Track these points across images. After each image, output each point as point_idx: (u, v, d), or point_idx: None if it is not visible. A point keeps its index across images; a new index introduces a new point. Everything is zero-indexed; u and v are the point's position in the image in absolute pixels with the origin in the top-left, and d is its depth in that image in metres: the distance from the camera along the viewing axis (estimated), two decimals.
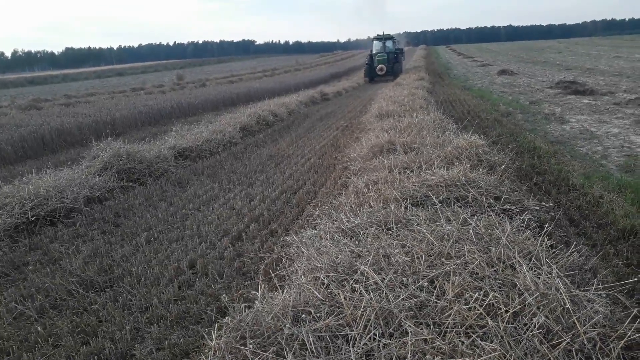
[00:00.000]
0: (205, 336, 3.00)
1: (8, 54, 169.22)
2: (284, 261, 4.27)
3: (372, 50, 30.32)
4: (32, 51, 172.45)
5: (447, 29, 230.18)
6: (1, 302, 4.11)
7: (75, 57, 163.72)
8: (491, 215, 4.26)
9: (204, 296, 4.01)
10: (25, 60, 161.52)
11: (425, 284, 3.09)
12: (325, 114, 15.57)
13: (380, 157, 6.92)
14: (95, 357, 3.27)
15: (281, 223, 5.66)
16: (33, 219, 5.83)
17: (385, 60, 28.34)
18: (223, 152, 10.07)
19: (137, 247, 5.15)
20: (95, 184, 6.95)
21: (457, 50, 73.16)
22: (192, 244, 5.13)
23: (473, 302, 2.79)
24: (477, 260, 3.27)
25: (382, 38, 30.10)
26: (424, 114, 10.59)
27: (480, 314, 2.71)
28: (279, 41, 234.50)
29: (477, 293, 2.87)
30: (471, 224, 3.92)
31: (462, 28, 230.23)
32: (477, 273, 3.18)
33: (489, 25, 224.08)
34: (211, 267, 4.53)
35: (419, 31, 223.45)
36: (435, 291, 2.99)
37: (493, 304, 2.82)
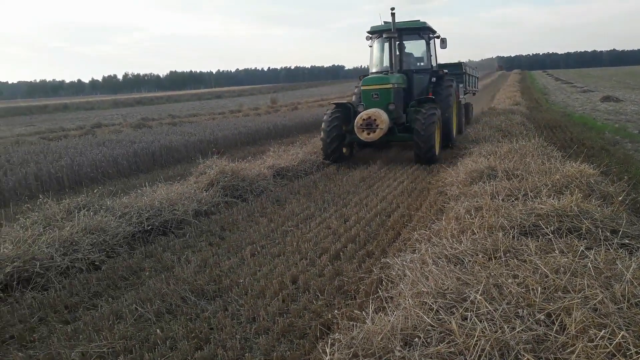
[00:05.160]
0: (320, 350, 3.07)
1: (120, 76, 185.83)
2: (384, 283, 4.28)
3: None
4: (141, 74, 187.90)
5: (544, 54, 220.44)
6: (123, 304, 4.46)
7: (177, 80, 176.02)
8: (609, 249, 4.00)
9: (307, 311, 4.11)
10: (134, 82, 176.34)
11: (543, 317, 2.97)
12: None
13: (480, 183, 6.77)
14: None
15: (378, 245, 5.67)
16: (149, 228, 6.32)
17: (388, 98, 10.56)
18: (317, 172, 10.30)
19: (242, 259, 5.40)
20: (203, 198, 7.42)
21: (554, 76, 69.84)
22: (293, 260, 5.29)
23: (599, 340, 2.64)
24: (599, 295, 3.09)
25: (389, 30, 11.02)
26: (524, 139, 10.22)
27: (609, 352, 2.55)
28: (367, 66, 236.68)
29: (602, 330, 2.71)
30: (589, 257, 3.72)
31: (559, 52, 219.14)
32: (599, 309, 3.00)
33: (589, 50, 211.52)
34: (312, 283, 4.63)
35: (512, 55, 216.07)
36: (555, 326, 2.86)
37: (621, 344, 2.65)
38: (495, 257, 3.98)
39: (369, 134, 10.09)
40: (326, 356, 2.80)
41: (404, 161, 10.84)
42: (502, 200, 5.62)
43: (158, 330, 3.93)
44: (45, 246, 5.34)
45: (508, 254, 4.02)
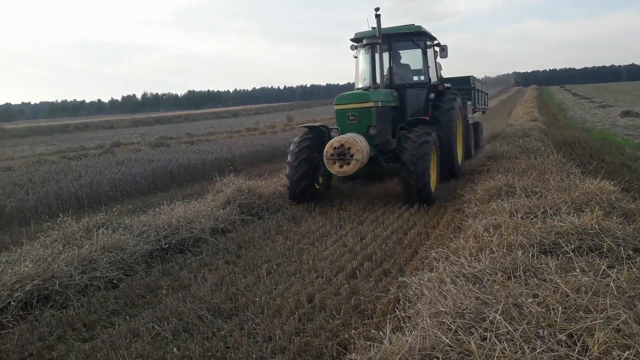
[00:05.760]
0: None
1: (139, 96, 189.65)
2: (401, 302, 4.23)
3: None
4: (159, 93, 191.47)
5: (561, 69, 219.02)
6: (140, 322, 4.48)
7: (195, 99, 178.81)
8: (632, 268, 3.92)
9: (324, 331, 4.08)
10: (153, 102, 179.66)
11: (564, 337, 2.90)
12: None
13: (499, 200, 6.71)
14: None
15: (394, 263, 5.63)
16: (166, 246, 6.37)
17: (368, 120, 8.47)
18: (333, 190, 10.28)
19: (258, 277, 5.40)
20: (220, 216, 7.47)
21: (572, 91, 69.09)
22: (309, 278, 5.27)
23: None
24: (622, 315, 3.02)
25: (374, 37, 9.04)
26: (542, 156, 10.12)
27: None
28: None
29: (626, 352, 2.64)
30: (611, 276, 3.64)
31: (577, 68, 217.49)
32: (622, 330, 2.93)
33: (607, 65, 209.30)
34: (329, 302, 4.60)
35: (529, 71, 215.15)
36: (577, 347, 2.80)
37: None
38: (514, 276, 3.92)
39: (341, 166, 7.81)
40: None
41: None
42: (521, 217, 5.55)
43: (175, 348, 3.93)
44: (64, 264, 5.40)
45: (528, 273, 3.96)
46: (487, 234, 5.15)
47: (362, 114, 8.47)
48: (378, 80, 9.47)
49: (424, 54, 10.16)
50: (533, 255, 4.31)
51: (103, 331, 4.42)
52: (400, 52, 10.51)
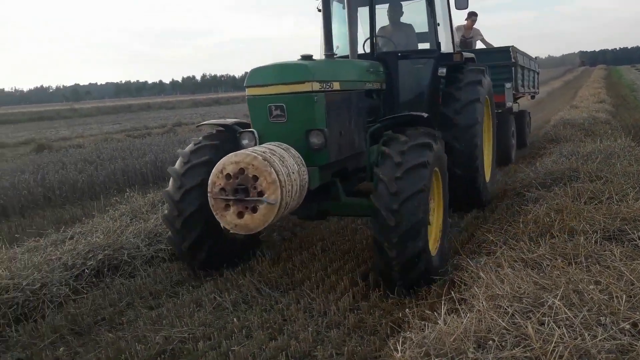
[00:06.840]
0: (391, 347, 3.10)
1: (198, 77, 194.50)
2: (456, 284, 4.22)
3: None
4: (217, 75, 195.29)
5: (632, 47, 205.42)
6: (203, 292, 4.71)
7: None
8: None
9: (378, 309, 4.15)
10: (212, 83, 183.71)
11: (628, 326, 2.83)
12: None
13: (561, 185, 6.51)
14: (282, 352, 3.57)
15: (450, 245, 5.58)
16: None
17: (310, 120, 4.36)
18: None
19: (314, 254, 5.51)
20: None
21: None
22: (363, 257, 5.34)
23: None
24: None
25: None
26: (609, 139, 9.65)
27: None
28: None
29: None
30: None
31: None
32: None
33: None
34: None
35: (597, 50, 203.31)
36: None
37: None
38: (575, 262, 3.84)
39: (240, 214, 3.93)
40: (397, 353, 2.83)
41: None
42: (584, 203, 5.38)
43: (235, 319, 4.12)
44: (132, 236, 5.73)
45: (590, 259, 3.86)
46: (547, 219, 5.03)
47: (296, 106, 4.45)
48: (337, 43, 5.81)
49: (429, 4, 6.35)
50: (596, 242, 4.19)
51: (168, 300, 4.68)
52: (402, 4, 6.72)
